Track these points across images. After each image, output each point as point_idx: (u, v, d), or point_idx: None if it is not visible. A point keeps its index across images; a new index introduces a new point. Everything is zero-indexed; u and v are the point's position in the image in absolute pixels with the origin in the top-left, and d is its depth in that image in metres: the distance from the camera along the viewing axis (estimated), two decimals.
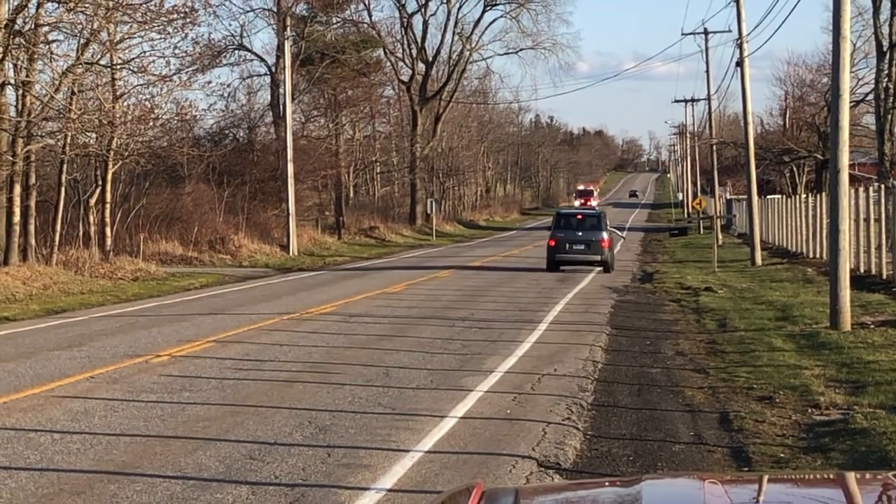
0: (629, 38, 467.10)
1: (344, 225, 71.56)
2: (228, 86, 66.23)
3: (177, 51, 44.06)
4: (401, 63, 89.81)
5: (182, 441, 11.96)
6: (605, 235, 42.86)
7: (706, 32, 69.12)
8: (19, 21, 36.42)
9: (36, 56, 37.78)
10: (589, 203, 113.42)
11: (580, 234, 43.13)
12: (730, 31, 61.86)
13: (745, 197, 53.33)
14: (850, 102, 23.66)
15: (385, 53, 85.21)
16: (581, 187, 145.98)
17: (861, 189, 33.06)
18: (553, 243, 42.66)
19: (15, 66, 37.06)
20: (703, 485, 2.60)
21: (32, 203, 39.73)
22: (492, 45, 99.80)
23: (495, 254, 56.71)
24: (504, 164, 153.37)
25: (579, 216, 45.57)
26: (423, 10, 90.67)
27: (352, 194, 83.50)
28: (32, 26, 37.13)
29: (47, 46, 39.07)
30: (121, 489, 9.92)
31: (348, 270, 44.89)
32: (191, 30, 44.00)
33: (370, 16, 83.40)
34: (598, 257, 42.32)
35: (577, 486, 3.46)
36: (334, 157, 72.39)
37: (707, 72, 74.78)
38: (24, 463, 10.94)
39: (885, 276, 29.59)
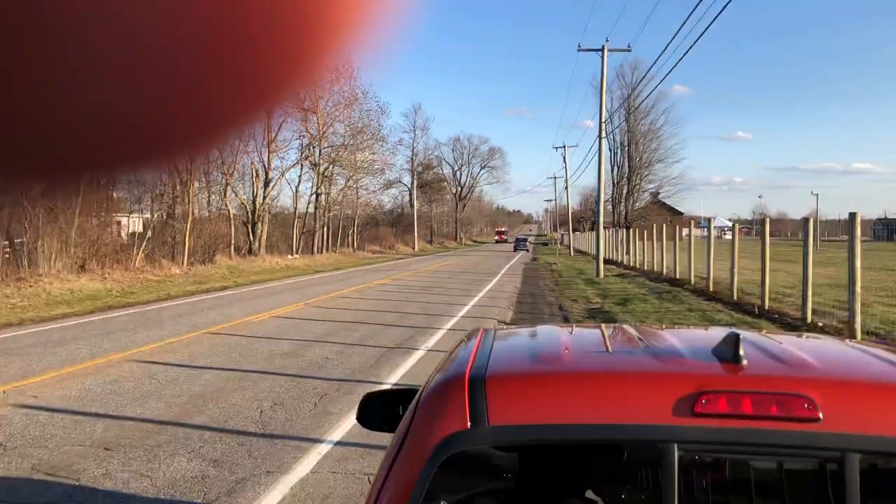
0: (530, 173, 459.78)
1: (432, 241, 69.34)
2: (393, 194, 64.72)
3: (377, 182, 42.22)
4: (451, 187, 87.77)
5: (351, 323, 9.84)
6: (528, 244, 51.91)
7: (556, 177, 66.37)
8: (326, 170, 34.59)
9: (330, 183, 36.01)
10: (503, 237, 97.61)
11: (523, 242, 50.02)
12: (563, 176, 59.00)
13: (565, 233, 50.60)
14: (605, 200, 21.30)
15: (447, 184, 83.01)
16: (498, 229, 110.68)
17: (609, 230, 30.44)
18: (514, 245, 49.57)
19: (321, 186, 35.31)
20: (556, 328, 1.71)
21: (329, 233, 37.94)
22: (483, 182, 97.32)
23: (486, 251, 54.11)
24: (486, 221, 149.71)
25: (522, 238, 51.44)
26: (459, 171, 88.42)
27: (435, 231, 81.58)
28: (330, 173, 35.35)
29: (333, 178, 37.34)
30: (318, 349, 7.83)
31: (433, 257, 42.68)
32: (381, 176, 42.21)
33: (442, 170, 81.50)
34: (528, 249, 48.91)
35: (515, 328, 2.05)
36: (430, 220, 70.38)
37: (555, 191, 71.83)
38: (285, 336, 8.85)
39: (618, 260, 26.94)
